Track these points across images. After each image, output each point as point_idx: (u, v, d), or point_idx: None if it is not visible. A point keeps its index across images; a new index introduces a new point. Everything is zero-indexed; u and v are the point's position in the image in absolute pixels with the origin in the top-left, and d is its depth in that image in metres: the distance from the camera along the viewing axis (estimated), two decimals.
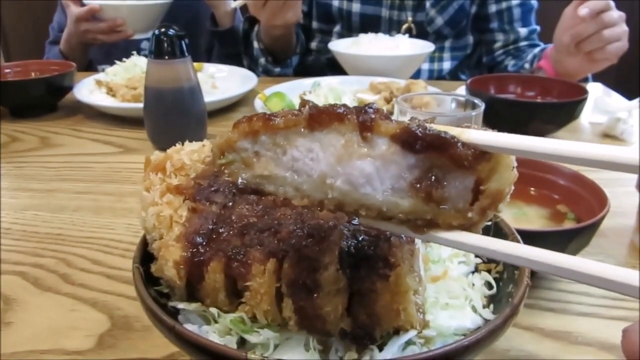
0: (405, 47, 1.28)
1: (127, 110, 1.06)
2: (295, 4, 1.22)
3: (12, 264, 0.60)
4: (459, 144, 0.26)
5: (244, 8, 1.49)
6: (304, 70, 1.54)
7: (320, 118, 0.28)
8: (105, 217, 0.71)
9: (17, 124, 1.08)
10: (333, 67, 1.45)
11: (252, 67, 1.49)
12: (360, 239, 0.32)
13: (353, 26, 1.50)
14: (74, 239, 0.65)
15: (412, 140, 0.26)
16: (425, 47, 1.29)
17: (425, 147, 0.26)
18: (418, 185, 0.26)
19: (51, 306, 0.53)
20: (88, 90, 1.16)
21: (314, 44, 1.59)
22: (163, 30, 0.88)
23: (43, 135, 1.03)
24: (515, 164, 0.27)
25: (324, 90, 0.99)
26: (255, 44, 1.45)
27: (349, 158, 0.27)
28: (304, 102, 0.28)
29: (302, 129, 0.28)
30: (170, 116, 0.92)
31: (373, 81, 1.14)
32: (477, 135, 0.26)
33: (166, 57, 0.89)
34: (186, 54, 0.90)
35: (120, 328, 0.50)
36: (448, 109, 0.87)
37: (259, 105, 1.00)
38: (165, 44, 0.88)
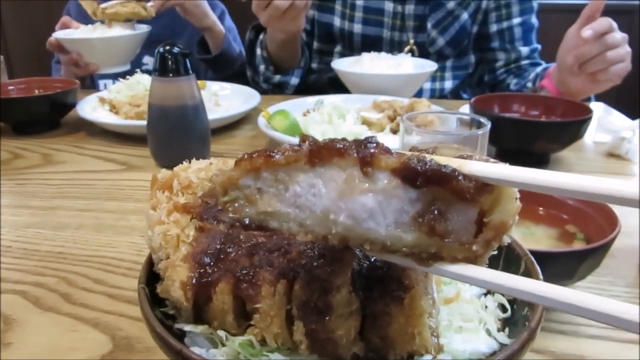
0: (408, 65, 1.28)
1: (130, 128, 1.06)
2: (297, 14, 1.22)
3: (12, 282, 0.59)
4: (460, 177, 0.26)
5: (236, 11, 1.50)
6: (306, 89, 1.54)
7: (320, 154, 0.28)
8: (107, 235, 0.70)
9: (20, 140, 1.08)
10: (335, 86, 1.45)
11: (255, 77, 1.49)
12: (372, 260, 0.31)
13: (354, 46, 1.51)
14: (75, 257, 0.64)
15: (412, 176, 0.26)
16: (428, 66, 1.30)
17: (426, 181, 0.26)
18: (421, 219, 0.26)
19: (52, 326, 0.52)
20: (91, 107, 1.16)
21: (315, 65, 1.59)
22: (167, 48, 0.88)
23: (45, 152, 1.02)
24: (518, 195, 0.26)
25: (328, 108, 0.99)
26: (259, 51, 1.45)
27: (351, 193, 0.27)
28: (304, 138, 0.29)
29: (303, 165, 0.28)
30: (174, 134, 0.92)
31: (376, 100, 1.14)
32: (479, 167, 0.26)
33: (170, 75, 0.89)
34: (190, 71, 0.90)
35: (122, 349, 0.49)
36: (452, 128, 0.87)
37: (262, 123, 0.99)
38: (170, 62, 0.88)
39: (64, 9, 1.72)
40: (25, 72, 2.51)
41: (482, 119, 0.70)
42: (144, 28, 1.39)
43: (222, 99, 1.28)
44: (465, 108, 1.18)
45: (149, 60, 1.58)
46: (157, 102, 0.90)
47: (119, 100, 1.14)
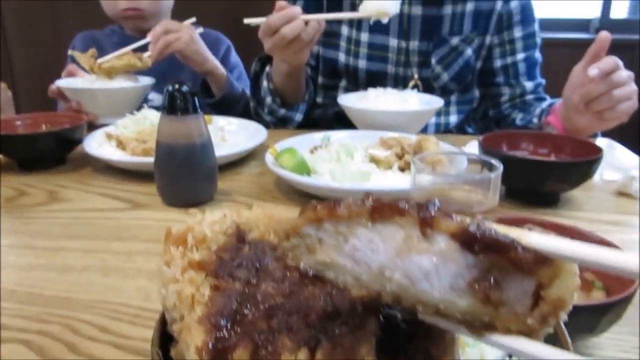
0: (414, 101, 1.28)
1: (136, 165, 1.05)
2: (302, 47, 1.22)
3: (16, 330, 0.57)
4: (519, 247, 0.25)
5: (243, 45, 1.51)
6: (311, 123, 1.55)
7: (382, 211, 0.29)
8: (114, 279, 0.68)
9: (25, 177, 1.08)
10: (341, 120, 1.46)
11: (258, 109, 1.49)
12: (398, 326, 0.30)
13: (359, 82, 1.52)
14: (81, 302, 0.63)
15: (471, 241, 0.25)
16: (434, 102, 1.30)
17: (484, 248, 0.25)
18: (476, 286, 0.25)
19: None
20: (97, 143, 1.16)
21: (319, 99, 1.60)
22: (176, 87, 0.89)
23: (51, 188, 1.02)
24: (578, 272, 0.26)
25: (335, 146, 0.98)
26: (265, 83, 1.45)
27: (408, 252, 0.27)
28: (367, 195, 0.30)
29: (365, 220, 0.29)
30: (182, 172, 0.91)
31: (383, 136, 1.13)
32: (538, 239, 0.26)
33: (179, 114, 0.89)
34: (198, 110, 0.90)
35: None
36: (462, 166, 0.86)
37: (269, 160, 0.99)
38: (178, 101, 0.88)
39: (69, 46, 1.74)
40: (32, 101, 2.53)
41: (494, 161, 0.69)
42: (146, 80, 1.40)
43: (229, 134, 1.28)
44: (473, 145, 1.18)
45: (154, 97, 1.59)
46: (165, 140, 0.90)
47: (126, 136, 1.14)
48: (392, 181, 0.93)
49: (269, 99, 1.44)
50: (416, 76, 1.48)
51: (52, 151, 1.12)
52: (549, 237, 0.26)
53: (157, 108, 1.65)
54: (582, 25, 2.72)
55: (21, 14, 2.70)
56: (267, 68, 1.45)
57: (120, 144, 1.15)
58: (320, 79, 1.59)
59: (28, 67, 2.74)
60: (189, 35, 1.42)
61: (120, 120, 1.23)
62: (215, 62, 1.51)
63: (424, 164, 0.74)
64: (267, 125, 1.46)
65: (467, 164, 0.89)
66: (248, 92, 1.67)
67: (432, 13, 1.44)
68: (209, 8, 2.49)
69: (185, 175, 0.92)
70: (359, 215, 0.29)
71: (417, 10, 1.44)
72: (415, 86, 1.48)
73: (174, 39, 1.39)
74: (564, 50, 2.53)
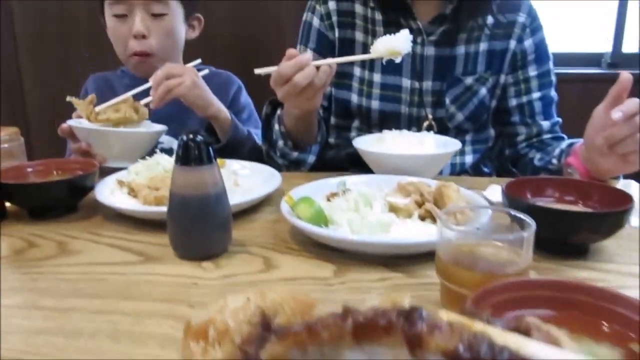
0: (430, 144, 1.26)
1: (148, 214, 1.03)
2: (315, 93, 1.20)
3: None
4: None
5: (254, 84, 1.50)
6: (324, 165, 1.52)
7: (365, 330, 0.27)
8: (124, 345, 0.65)
9: (35, 226, 1.05)
10: (354, 162, 1.43)
11: (270, 152, 1.47)
12: None
13: (372, 122, 1.50)
14: None
15: None
16: (451, 144, 1.27)
17: None
18: None
19: None
20: (109, 189, 1.13)
21: (332, 139, 1.58)
22: (191, 136, 0.87)
23: (60, 239, 0.99)
24: None
25: (354, 194, 0.95)
26: (276, 127, 1.42)
27: None
28: (346, 310, 0.28)
29: (348, 341, 0.27)
30: (196, 223, 0.88)
31: (401, 182, 1.10)
32: (539, 350, 0.24)
33: (192, 164, 0.86)
34: (213, 160, 0.88)
35: None
36: (487, 219, 0.82)
37: (285, 209, 0.96)
38: (193, 151, 0.86)
39: (82, 88, 1.75)
40: (45, 144, 2.54)
41: (525, 217, 0.66)
42: (159, 127, 1.38)
43: (242, 179, 1.25)
44: (493, 189, 1.15)
45: (165, 139, 1.58)
46: (179, 191, 0.88)
47: (138, 183, 1.11)
48: (414, 232, 0.89)
49: (280, 142, 1.42)
50: (430, 116, 1.46)
51: (64, 199, 1.09)
52: (551, 350, 0.25)
53: (167, 151, 1.63)
54: (593, 59, 2.70)
55: (36, 54, 2.73)
56: (279, 111, 1.43)
57: (132, 192, 1.12)
58: (332, 120, 1.57)
59: (41, 109, 2.76)
60: (191, 80, 1.39)
61: (132, 166, 1.21)
62: (219, 106, 1.49)
63: (450, 218, 0.71)
64: (279, 168, 1.44)
65: (492, 212, 0.85)
66: (259, 133, 1.66)
67: (445, 53, 1.43)
68: (219, 47, 2.51)
69: (199, 227, 0.89)
70: (341, 337, 0.27)
71: (430, 50, 1.43)
72: (429, 126, 1.46)
73: (176, 84, 1.37)
74: (575, 85, 2.51)
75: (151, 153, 1.40)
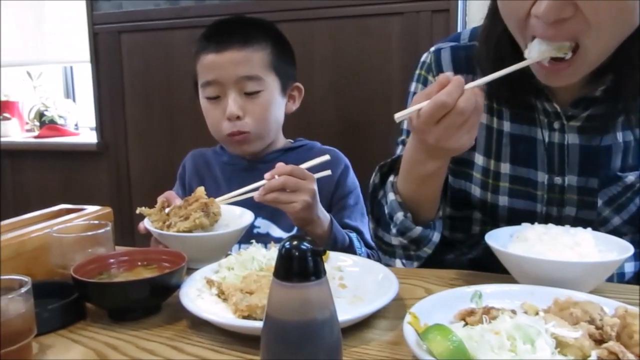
0: (589, 246, 0.98)
1: (239, 329, 0.85)
2: (475, 123, 0.97)
3: None
4: None
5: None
6: (440, 259, 1.26)
7: None
8: None
9: (113, 330, 0.91)
10: (478, 265, 1.18)
11: (379, 232, 1.23)
12: None
13: (499, 218, 1.23)
14: None
15: None
16: (619, 246, 0.99)
17: None
18: None
19: None
20: (196, 290, 0.98)
21: (447, 232, 1.29)
22: (294, 243, 0.68)
23: (136, 355, 0.83)
24: None
25: (507, 325, 0.70)
26: (391, 196, 1.16)
27: None
28: None
29: None
30: (296, 353, 0.68)
31: (558, 298, 0.84)
32: None
33: (295, 280, 0.67)
34: (322, 274, 0.68)
35: None
36: None
37: (410, 336, 0.74)
38: (295, 263, 0.67)
39: (179, 165, 1.69)
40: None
41: None
42: (245, 222, 1.23)
43: (348, 277, 1.05)
44: None
45: (261, 224, 1.43)
46: (276, 314, 0.68)
47: (229, 284, 0.95)
48: None
49: (399, 215, 1.14)
50: (573, 215, 1.17)
51: (147, 299, 0.95)
52: None
53: (264, 237, 1.47)
54: None
55: (142, 128, 2.81)
56: (391, 178, 1.19)
57: (222, 294, 0.95)
58: (447, 210, 1.30)
59: (144, 185, 2.81)
60: (303, 203, 1.23)
61: (224, 259, 1.05)
62: (322, 222, 1.33)
63: None
64: (391, 252, 1.22)
65: None
66: (365, 229, 1.47)
67: (594, 143, 1.14)
68: (319, 119, 2.40)
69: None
70: None
71: (573, 139, 1.15)
72: None
73: (286, 202, 1.22)
74: None
75: (247, 238, 1.25)
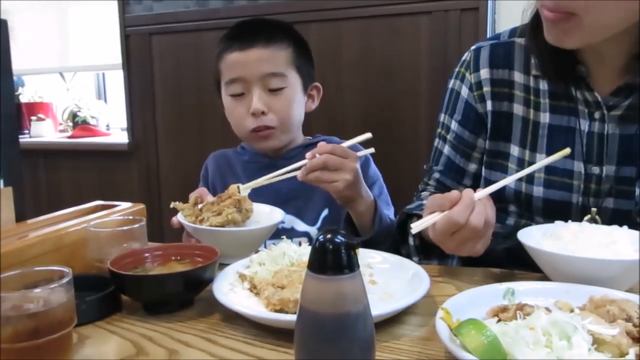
0: (625, 244, 0.96)
1: (271, 322, 0.86)
2: (487, 235, 1.02)
3: None
4: None
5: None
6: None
7: None
8: None
9: (148, 322, 0.93)
10: (513, 259, 1.17)
11: (402, 249, 1.27)
12: None
13: (534, 210, 1.23)
14: None
15: None
16: None
17: None
18: None
19: None
20: (229, 284, 0.99)
21: None
22: (329, 236, 0.69)
23: (171, 346, 0.85)
24: None
25: (543, 321, 0.69)
26: (411, 241, 1.24)
27: None
28: None
29: None
30: (330, 346, 0.69)
31: (593, 296, 0.83)
32: None
33: (329, 273, 0.68)
34: (356, 267, 0.69)
35: None
36: None
37: (443, 331, 0.73)
38: (329, 256, 0.68)
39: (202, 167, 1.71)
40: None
41: None
42: (275, 218, 1.24)
43: (378, 274, 1.05)
44: None
45: (286, 219, 1.44)
46: (310, 306, 0.69)
47: (261, 279, 0.96)
48: None
49: (414, 260, 1.19)
50: (594, 209, 1.16)
51: (180, 293, 0.97)
52: None
53: (288, 231, 1.48)
54: None
55: (172, 128, 2.85)
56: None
57: (254, 288, 0.97)
58: None
59: (173, 184, 2.86)
60: (345, 183, 1.22)
61: (255, 255, 1.06)
62: (367, 199, 1.32)
63: None
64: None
65: None
66: (390, 214, 1.47)
67: (634, 132, 1.14)
68: (349, 117, 2.41)
69: (333, 350, 0.69)
70: None
71: (613, 128, 1.14)
72: (593, 220, 1.15)
73: (328, 181, 1.22)
74: None
75: (273, 234, 1.26)
